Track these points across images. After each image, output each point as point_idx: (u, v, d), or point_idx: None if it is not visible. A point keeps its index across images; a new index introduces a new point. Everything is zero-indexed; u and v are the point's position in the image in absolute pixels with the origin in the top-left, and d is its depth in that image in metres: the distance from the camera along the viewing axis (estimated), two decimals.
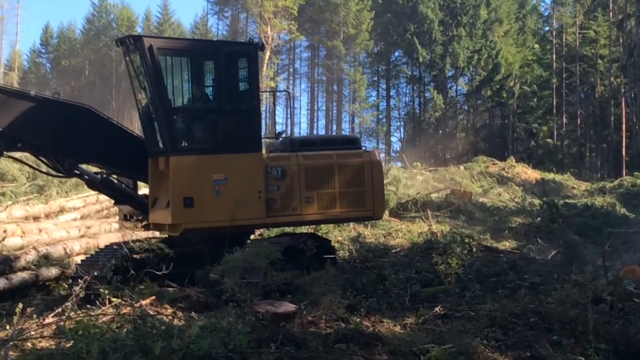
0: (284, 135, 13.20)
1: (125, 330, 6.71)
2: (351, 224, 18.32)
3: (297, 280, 10.03)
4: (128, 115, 71.17)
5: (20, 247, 13.32)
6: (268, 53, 56.72)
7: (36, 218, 17.60)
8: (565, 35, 63.46)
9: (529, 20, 71.29)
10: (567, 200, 25.48)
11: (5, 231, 13.78)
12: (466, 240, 13.12)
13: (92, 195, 19.36)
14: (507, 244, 17.20)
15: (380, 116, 72.09)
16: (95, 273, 9.60)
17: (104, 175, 11.46)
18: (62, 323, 7.46)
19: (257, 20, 62.02)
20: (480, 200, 26.82)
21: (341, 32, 68.26)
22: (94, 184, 11.53)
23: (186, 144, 11.54)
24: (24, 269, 11.73)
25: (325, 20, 68.48)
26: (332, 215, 12.47)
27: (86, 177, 11.42)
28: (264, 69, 56.08)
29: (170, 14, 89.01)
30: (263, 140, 12.73)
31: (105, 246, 12.24)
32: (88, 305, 8.80)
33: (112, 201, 12.99)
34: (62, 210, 18.79)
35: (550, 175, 40.02)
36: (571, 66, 61.99)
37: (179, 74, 11.77)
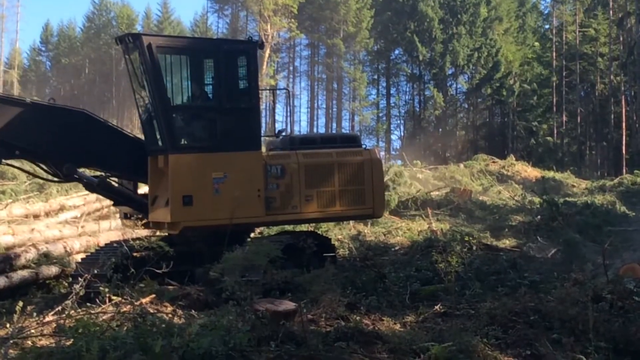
0: (284, 134, 13.18)
1: (125, 328, 6.71)
2: (351, 222, 18.33)
3: (297, 278, 10.02)
4: (128, 114, 71.25)
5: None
6: (268, 51, 56.70)
7: (36, 216, 17.61)
8: (565, 33, 63.42)
9: (529, 18, 71.25)
10: (567, 199, 25.47)
11: None
12: (466, 239, 13.12)
13: (92, 193, 19.34)
14: (507, 242, 17.21)
15: (380, 114, 72.18)
16: (96, 271, 9.63)
17: (102, 178, 11.46)
18: (62, 321, 7.46)
19: (257, 18, 62.02)
20: (480, 198, 26.83)
21: (341, 30, 68.26)
22: (92, 186, 11.54)
23: (185, 142, 11.54)
24: (24, 267, 11.73)
25: (325, 18, 68.47)
26: (332, 213, 12.47)
27: (85, 180, 11.44)
28: (264, 67, 56.06)
29: (170, 12, 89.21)
30: (263, 139, 12.73)
31: (106, 244, 12.24)
32: (88, 304, 8.79)
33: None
34: (62, 209, 18.80)
35: (550, 174, 40.00)
36: (571, 64, 61.96)
37: (178, 72, 11.77)
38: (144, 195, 11.89)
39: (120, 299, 8.50)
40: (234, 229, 10.93)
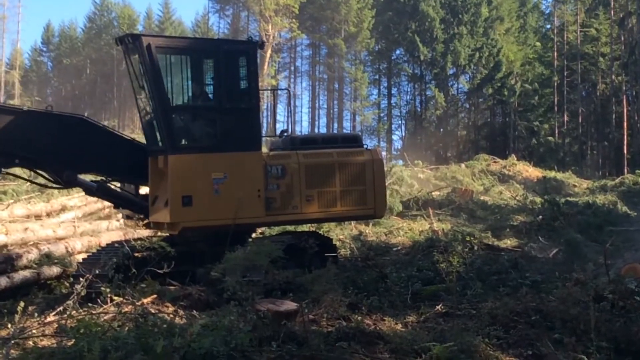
0: (286, 134, 13.18)
1: (126, 328, 6.72)
2: (352, 222, 18.32)
3: (298, 278, 10.03)
4: (129, 114, 71.29)
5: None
6: (269, 51, 56.70)
7: (38, 216, 17.60)
8: (566, 33, 63.37)
9: (530, 18, 71.21)
10: (568, 199, 25.45)
11: None
12: (467, 239, 13.13)
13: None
14: (508, 242, 17.19)
15: (382, 114, 72.15)
16: (97, 271, 9.63)
17: (101, 182, 11.46)
18: (63, 321, 7.47)
19: (258, 19, 61.96)
20: (482, 198, 26.80)
21: (342, 30, 68.22)
22: (92, 191, 11.56)
23: (185, 143, 11.54)
24: (25, 267, 11.74)
25: (327, 19, 68.45)
26: (333, 213, 12.45)
27: (85, 186, 11.45)
28: (265, 67, 56.08)
29: (171, 13, 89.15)
30: (265, 139, 12.72)
31: (107, 244, 12.25)
32: (89, 304, 8.80)
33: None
34: (63, 209, 18.80)
35: (551, 173, 39.97)
36: (572, 64, 61.93)
37: (178, 73, 11.76)
38: (145, 197, 11.89)
39: (121, 299, 8.50)
40: (234, 229, 10.93)
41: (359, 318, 8.08)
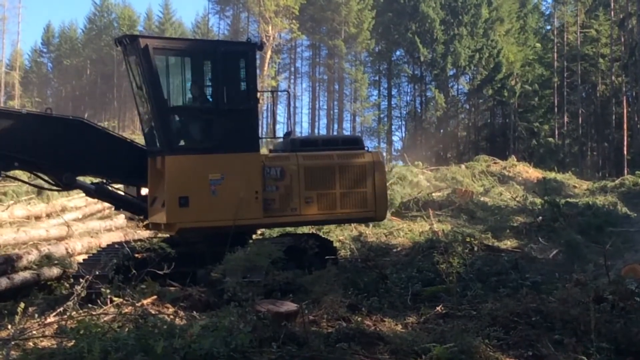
0: (292, 136, 13.15)
1: (126, 329, 6.73)
2: (352, 224, 18.31)
3: (298, 279, 10.03)
4: (130, 115, 71.26)
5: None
6: (269, 52, 56.71)
7: (38, 217, 17.61)
8: (566, 34, 63.37)
9: (530, 19, 71.15)
10: (568, 199, 25.44)
11: None
12: (467, 240, 13.14)
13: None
14: (508, 243, 17.19)
15: (382, 115, 72.13)
16: (97, 272, 9.63)
17: (99, 184, 11.47)
18: (63, 322, 7.48)
19: (258, 20, 61.94)
20: (482, 199, 26.78)
21: (342, 31, 68.22)
22: (91, 193, 11.57)
23: (182, 144, 11.54)
24: (25, 268, 11.74)
25: (327, 20, 68.45)
26: (332, 216, 12.38)
27: (84, 187, 11.47)
28: (265, 68, 56.10)
29: (171, 13, 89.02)
30: (266, 141, 12.73)
31: (107, 245, 12.25)
32: (90, 305, 8.81)
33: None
34: (63, 210, 18.80)
35: (551, 174, 39.93)
36: (572, 65, 61.91)
37: (176, 74, 11.76)
38: (144, 198, 11.89)
39: (121, 300, 8.50)
40: (230, 231, 10.92)
41: (359, 319, 8.08)
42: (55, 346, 6.60)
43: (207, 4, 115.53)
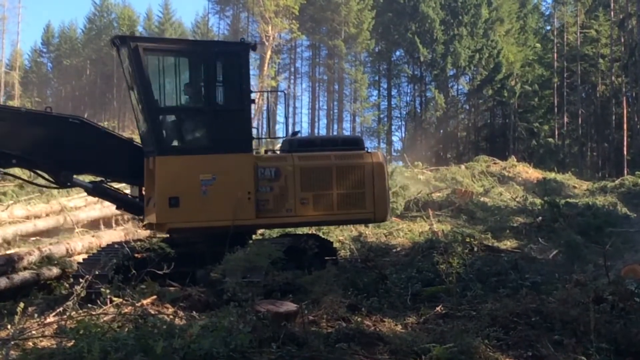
0: (299, 135, 13.12)
1: (126, 329, 6.72)
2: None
3: (298, 279, 10.03)
4: (129, 115, 71.06)
5: None
6: (269, 52, 56.70)
7: (37, 217, 17.61)
8: (566, 34, 63.38)
9: (530, 19, 71.19)
10: (568, 200, 25.44)
11: None
12: (467, 240, 13.13)
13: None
14: (508, 244, 17.19)
15: (382, 115, 72.11)
16: (97, 272, 9.63)
17: (97, 183, 11.47)
18: (63, 322, 7.47)
19: (258, 20, 61.93)
20: (482, 199, 26.79)
21: (342, 31, 68.17)
22: (89, 191, 11.59)
23: (173, 144, 11.54)
24: (25, 268, 11.75)
25: (327, 20, 68.42)
26: (329, 217, 12.27)
27: (81, 186, 11.48)
28: (265, 68, 56.12)
29: (171, 14, 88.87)
30: (265, 141, 12.71)
31: (107, 245, 12.25)
32: (89, 305, 8.80)
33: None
34: (63, 210, 18.79)
35: (551, 175, 39.96)
36: (572, 65, 61.92)
37: (168, 75, 11.74)
38: (143, 197, 11.90)
39: (121, 300, 8.50)
40: (222, 232, 10.89)
41: (359, 319, 8.08)
42: (54, 346, 6.59)
43: (207, 4, 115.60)
